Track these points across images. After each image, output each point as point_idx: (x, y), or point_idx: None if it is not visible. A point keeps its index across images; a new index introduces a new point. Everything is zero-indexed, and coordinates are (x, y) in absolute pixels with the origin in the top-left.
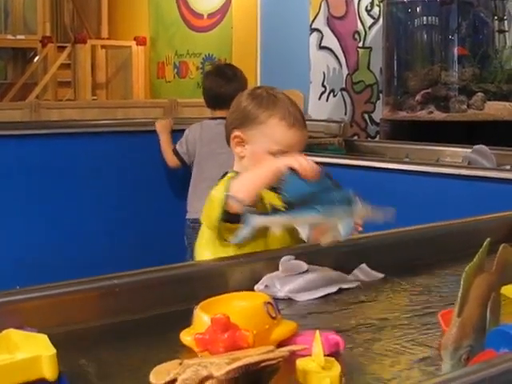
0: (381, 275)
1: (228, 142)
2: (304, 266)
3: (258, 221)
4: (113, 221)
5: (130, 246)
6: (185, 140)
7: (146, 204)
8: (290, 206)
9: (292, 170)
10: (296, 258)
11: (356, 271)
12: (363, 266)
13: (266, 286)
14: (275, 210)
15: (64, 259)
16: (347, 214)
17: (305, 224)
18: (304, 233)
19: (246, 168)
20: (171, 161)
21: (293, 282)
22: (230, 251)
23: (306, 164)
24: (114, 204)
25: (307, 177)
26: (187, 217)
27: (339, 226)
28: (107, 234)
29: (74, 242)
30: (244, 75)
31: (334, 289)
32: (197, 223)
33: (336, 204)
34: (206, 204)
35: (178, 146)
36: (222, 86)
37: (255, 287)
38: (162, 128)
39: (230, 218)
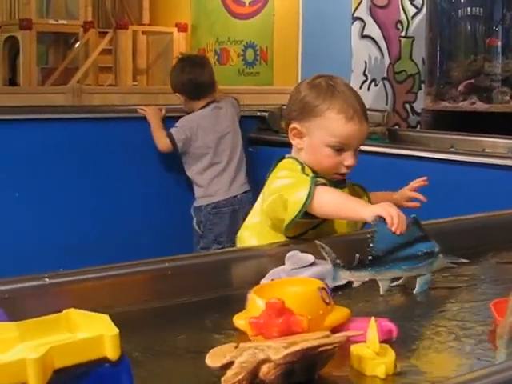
0: None
1: (286, 132)
2: (311, 258)
3: (343, 276)
4: (154, 206)
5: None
6: (182, 129)
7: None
8: (376, 260)
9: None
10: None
11: None
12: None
13: (272, 281)
14: (360, 265)
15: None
16: (428, 269)
17: (387, 279)
18: (384, 288)
19: (305, 160)
20: (164, 143)
21: (299, 275)
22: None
23: (396, 217)
24: (155, 187)
25: (396, 230)
26: (205, 203)
27: (417, 281)
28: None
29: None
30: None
31: (343, 281)
32: (219, 207)
33: (420, 258)
34: (277, 202)
35: (174, 132)
36: (201, 74)
37: (261, 282)
38: (152, 115)
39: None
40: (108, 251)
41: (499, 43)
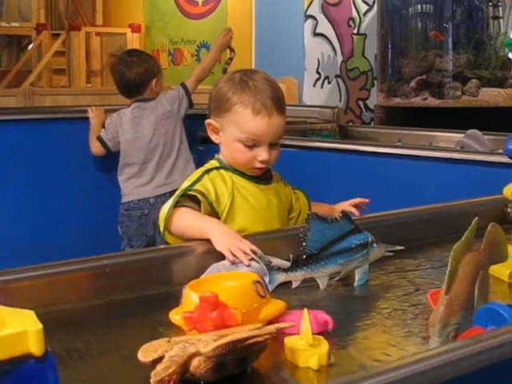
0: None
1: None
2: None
3: (280, 278)
4: (106, 207)
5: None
6: (107, 128)
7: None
8: (310, 258)
9: (316, 217)
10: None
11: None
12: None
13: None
14: (295, 266)
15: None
16: (364, 260)
17: (324, 276)
18: (323, 284)
19: (224, 156)
20: (95, 147)
21: (239, 269)
22: None
23: (238, 253)
24: (110, 189)
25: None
26: (122, 201)
27: (356, 273)
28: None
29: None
30: (149, 57)
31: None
32: (129, 210)
33: (354, 250)
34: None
35: (102, 133)
36: (124, 73)
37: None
38: (95, 116)
39: None
40: (59, 254)
41: (444, 38)
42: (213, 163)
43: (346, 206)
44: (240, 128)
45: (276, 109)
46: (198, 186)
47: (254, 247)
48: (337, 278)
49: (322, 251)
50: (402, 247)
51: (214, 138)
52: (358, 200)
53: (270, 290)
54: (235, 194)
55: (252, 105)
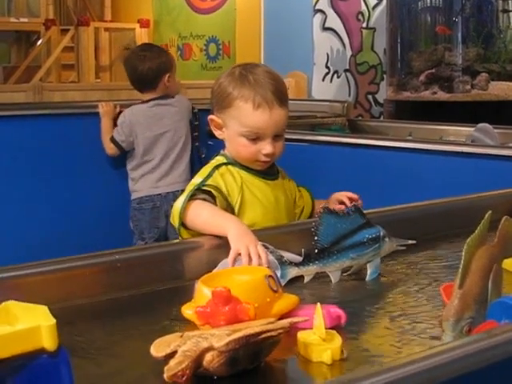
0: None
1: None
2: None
3: (292, 272)
4: (116, 202)
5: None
6: (121, 127)
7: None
8: (322, 252)
9: (328, 211)
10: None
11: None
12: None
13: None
14: (307, 260)
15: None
16: (376, 254)
17: (337, 270)
18: (335, 278)
19: (229, 151)
20: (109, 148)
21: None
22: None
23: (254, 257)
24: (120, 184)
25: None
26: (132, 198)
27: (368, 267)
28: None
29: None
30: (162, 52)
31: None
32: (141, 203)
33: (366, 245)
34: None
35: (115, 134)
36: (137, 67)
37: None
38: (105, 113)
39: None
40: (70, 249)
41: (451, 32)
42: (219, 159)
43: (339, 196)
44: (241, 122)
45: (277, 101)
46: (210, 182)
47: (266, 244)
48: (349, 272)
49: (334, 245)
50: (414, 241)
51: (217, 133)
52: (350, 194)
53: (282, 284)
54: (244, 189)
55: (252, 98)
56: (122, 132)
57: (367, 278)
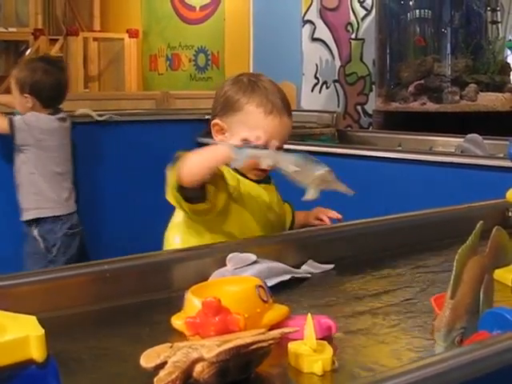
0: (330, 266)
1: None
2: (252, 257)
3: (249, 152)
4: (99, 211)
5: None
6: (23, 121)
7: (138, 194)
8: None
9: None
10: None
11: (305, 266)
12: (310, 261)
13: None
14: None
15: None
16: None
17: (289, 164)
18: (289, 168)
19: None
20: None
21: (243, 273)
22: (202, 236)
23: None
24: (111, 190)
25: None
26: (22, 219)
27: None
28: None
29: None
30: (56, 67)
31: (286, 277)
32: (32, 225)
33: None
34: (167, 188)
35: (16, 120)
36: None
37: None
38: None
39: (194, 195)
40: None
41: (426, 43)
42: None
43: (319, 212)
44: (250, 127)
45: (286, 110)
46: None
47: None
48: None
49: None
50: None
51: (218, 138)
52: (332, 213)
53: (240, 163)
54: (240, 186)
55: (265, 104)
56: (23, 123)
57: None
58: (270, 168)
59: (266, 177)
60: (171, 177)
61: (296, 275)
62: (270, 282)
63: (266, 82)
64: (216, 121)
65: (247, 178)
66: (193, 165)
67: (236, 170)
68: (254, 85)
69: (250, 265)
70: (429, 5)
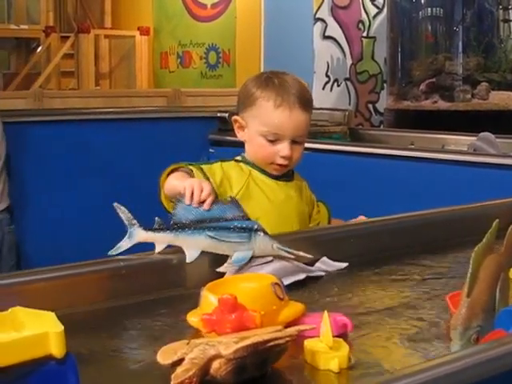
0: (344, 264)
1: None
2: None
3: (141, 235)
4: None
5: None
6: None
7: (146, 192)
8: (179, 226)
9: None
10: None
11: (318, 264)
12: (324, 258)
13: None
14: (160, 228)
15: None
16: (244, 244)
17: (192, 247)
18: (190, 257)
19: (248, 153)
20: None
21: (259, 271)
22: None
23: (190, 189)
24: (112, 191)
25: (189, 201)
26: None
27: (233, 253)
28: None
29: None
30: None
31: (302, 276)
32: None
33: (231, 231)
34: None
35: None
36: None
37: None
38: None
39: None
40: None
41: (432, 39)
42: (235, 158)
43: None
44: (262, 121)
45: (299, 104)
46: (204, 166)
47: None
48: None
49: (194, 224)
50: (306, 254)
51: (240, 135)
52: None
53: (127, 246)
54: (250, 182)
55: (274, 98)
56: None
57: (221, 267)
58: (284, 163)
59: (287, 173)
60: (160, 186)
61: (311, 274)
62: (286, 281)
63: (284, 78)
64: (236, 117)
65: (266, 172)
66: (167, 185)
67: (254, 165)
68: (268, 80)
69: (266, 263)
70: (440, 3)
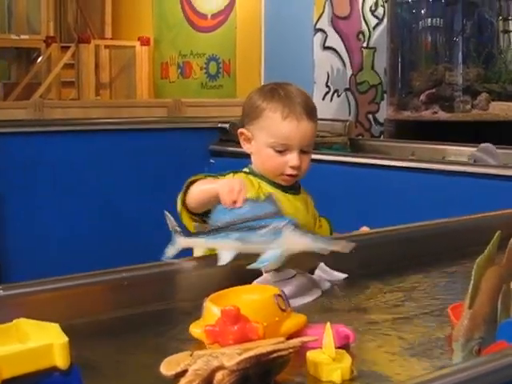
0: (343, 275)
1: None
2: (292, 271)
3: (181, 242)
4: (112, 219)
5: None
6: None
7: (149, 202)
8: (215, 230)
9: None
10: None
11: (317, 271)
12: (322, 264)
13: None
14: (198, 234)
15: None
16: (276, 243)
17: (227, 250)
18: (224, 259)
19: (255, 165)
20: None
21: (282, 287)
22: None
23: (227, 194)
24: (115, 202)
25: (225, 204)
26: None
27: (263, 254)
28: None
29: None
30: None
31: (319, 293)
32: None
33: (260, 230)
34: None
35: None
36: None
37: None
38: None
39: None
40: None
41: (434, 50)
42: (243, 170)
43: None
44: (269, 132)
45: (305, 114)
46: (220, 176)
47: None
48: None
49: (229, 226)
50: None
51: (246, 147)
52: None
53: (173, 253)
54: (260, 195)
55: (281, 109)
56: None
57: (251, 265)
58: (293, 173)
59: (295, 186)
60: (179, 202)
61: (323, 288)
62: (308, 299)
63: (288, 89)
64: (241, 130)
65: (274, 183)
66: (194, 195)
67: (262, 177)
68: (274, 92)
69: (289, 279)
70: (441, 14)
